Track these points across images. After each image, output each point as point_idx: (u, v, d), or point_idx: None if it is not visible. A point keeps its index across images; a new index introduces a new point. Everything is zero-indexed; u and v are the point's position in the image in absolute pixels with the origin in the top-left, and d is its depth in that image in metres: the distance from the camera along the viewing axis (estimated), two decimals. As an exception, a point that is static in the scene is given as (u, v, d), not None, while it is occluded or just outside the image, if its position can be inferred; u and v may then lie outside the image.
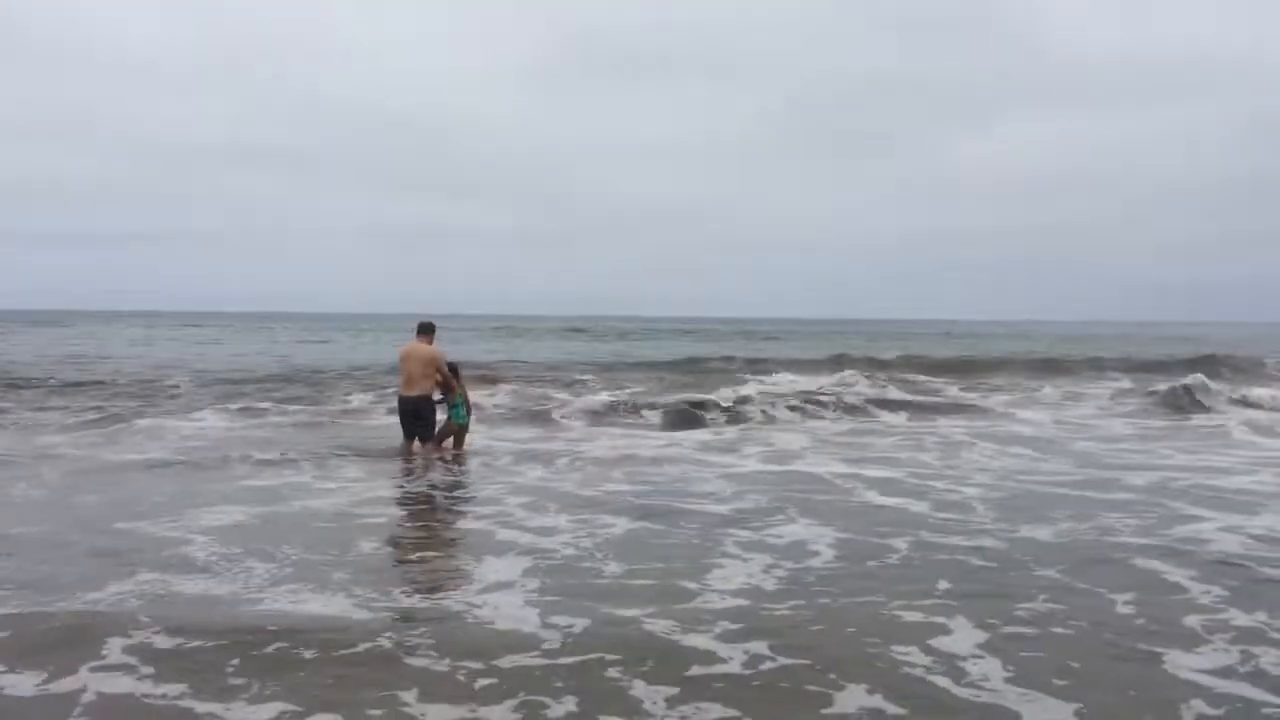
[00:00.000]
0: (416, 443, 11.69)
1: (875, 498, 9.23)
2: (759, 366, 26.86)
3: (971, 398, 20.39)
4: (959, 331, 72.87)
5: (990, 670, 4.72)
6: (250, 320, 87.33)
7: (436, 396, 11.82)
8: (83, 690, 4.43)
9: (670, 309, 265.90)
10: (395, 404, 12.35)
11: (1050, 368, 28.62)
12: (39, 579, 6.13)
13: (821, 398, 18.35)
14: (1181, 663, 4.85)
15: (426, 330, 11.79)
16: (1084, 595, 5.98)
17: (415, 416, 11.65)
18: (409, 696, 4.37)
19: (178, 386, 20.09)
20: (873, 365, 26.83)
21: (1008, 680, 4.60)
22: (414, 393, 11.58)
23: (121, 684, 4.50)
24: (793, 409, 17.25)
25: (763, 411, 16.94)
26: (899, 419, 17.09)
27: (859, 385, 20.81)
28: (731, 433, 14.96)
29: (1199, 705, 4.36)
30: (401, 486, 9.94)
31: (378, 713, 4.20)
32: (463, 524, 8.34)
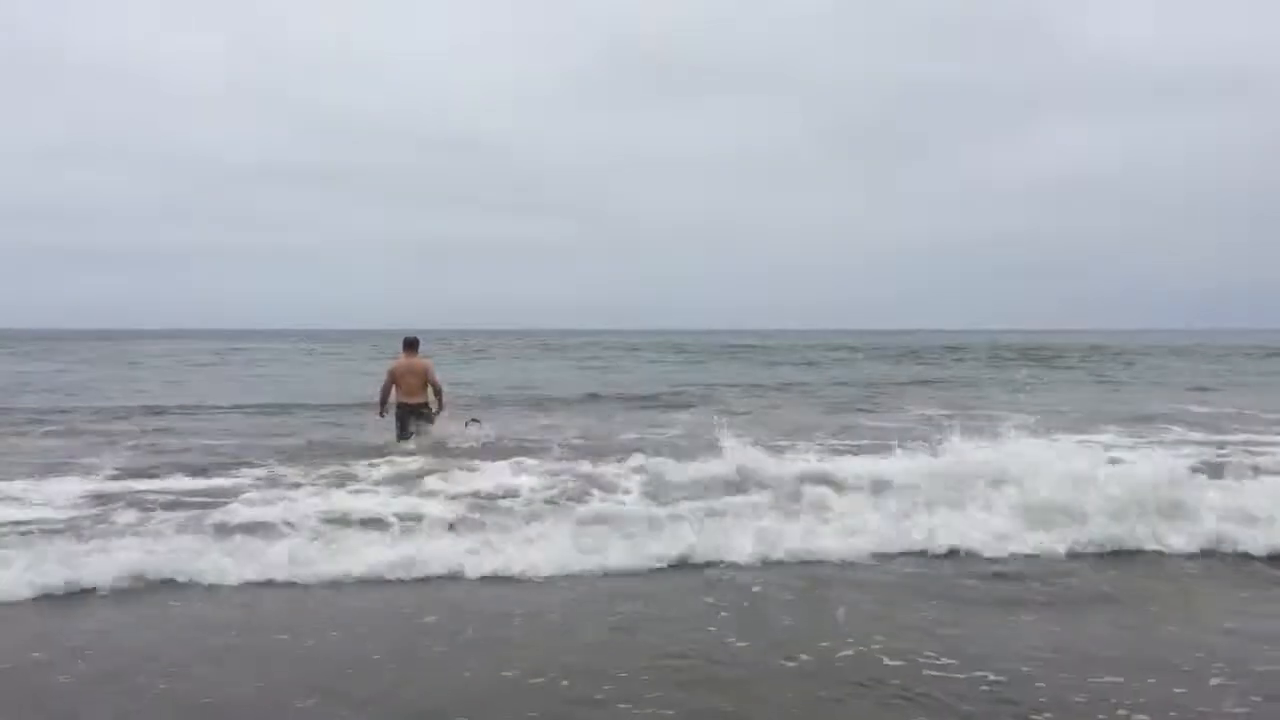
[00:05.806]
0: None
1: None
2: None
3: None
4: (1025, 343, 66.83)
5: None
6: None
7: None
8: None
9: (705, 323, 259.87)
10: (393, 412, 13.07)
11: None
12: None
13: None
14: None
15: (414, 345, 13.09)
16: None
17: (417, 417, 12.88)
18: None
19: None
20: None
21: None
22: (416, 400, 12.93)
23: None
24: None
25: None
26: None
27: None
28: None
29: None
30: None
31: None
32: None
